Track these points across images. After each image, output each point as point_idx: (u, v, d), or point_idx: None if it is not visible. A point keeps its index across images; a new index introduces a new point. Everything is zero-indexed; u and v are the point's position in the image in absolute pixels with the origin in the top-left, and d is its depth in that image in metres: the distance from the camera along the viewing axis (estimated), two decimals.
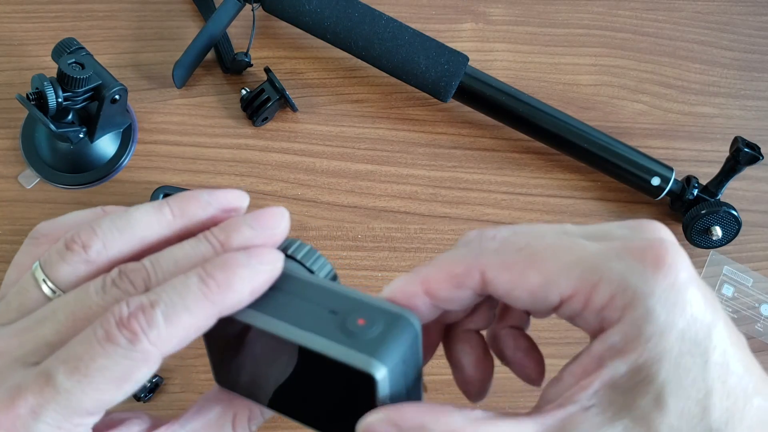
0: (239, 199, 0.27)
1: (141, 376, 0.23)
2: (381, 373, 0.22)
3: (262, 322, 0.24)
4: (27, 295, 0.25)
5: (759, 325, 0.52)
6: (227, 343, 0.26)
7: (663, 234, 0.25)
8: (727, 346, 0.22)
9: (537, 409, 0.24)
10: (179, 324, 0.23)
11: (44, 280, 0.25)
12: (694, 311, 0.22)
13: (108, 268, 0.25)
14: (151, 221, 0.26)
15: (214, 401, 0.27)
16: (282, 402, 0.26)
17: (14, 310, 0.25)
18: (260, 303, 0.24)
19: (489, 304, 0.27)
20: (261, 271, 0.24)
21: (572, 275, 0.23)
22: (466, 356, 0.28)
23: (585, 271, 0.23)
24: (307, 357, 0.23)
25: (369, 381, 0.22)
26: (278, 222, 0.25)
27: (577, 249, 0.23)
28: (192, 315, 0.23)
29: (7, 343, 0.24)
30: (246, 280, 0.24)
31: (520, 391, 0.46)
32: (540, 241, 0.24)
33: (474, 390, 0.28)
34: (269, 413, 0.27)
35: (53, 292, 0.25)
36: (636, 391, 0.22)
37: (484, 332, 0.28)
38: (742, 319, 0.52)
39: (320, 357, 0.22)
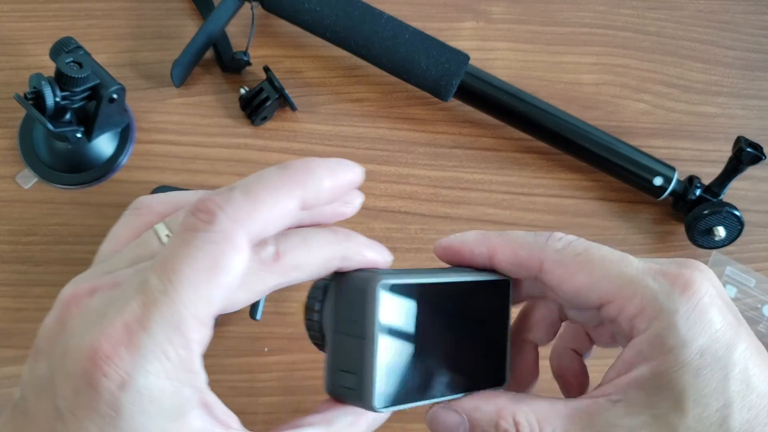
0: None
1: (233, 264, 0.22)
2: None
3: (426, 278, 0.27)
4: (146, 247, 0.25)
5: (762, 326, 0.51)
6: (398, 348, 0.26)
7: (699, 267, 0.28)
8: (749, 365, 0.25)
9: (573, 398, 0.28)
10: (258, 199, 0.23)
11: (167, 235, 0.25)
12: (714, 331, 0.25)
13: None
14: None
15: (310, 425, 0.26)
16: (438, 383, 0.28)
17: (127, 261, 0.25)
18: (401, 275, 0.26)
19: (552, 320, 0.32)
20: (340, 171, 0.26)
21: (613, 284, 0.27)
22: (518, 363, 0.32)
23: (624, 283, 0.27)
24: (461, 296, 0.28)
25: (506, 285, 0.30)
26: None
27: (623, 264, 0.28)
28: (271, 193, 0.23)
29: (122, 274, 0.24)
30: (325, 170, 0.25)
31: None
32: (596, 250, 0.28)
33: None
34: None
35: None
36: (658, 393, 0.25)
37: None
38: (745, 320, 0.51)
39: (475, 285, 0.29)
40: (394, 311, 0.26)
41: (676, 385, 0.25)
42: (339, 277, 0.27)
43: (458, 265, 0.31)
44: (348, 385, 0.26)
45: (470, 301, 0.29)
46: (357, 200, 0.28)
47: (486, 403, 0.28)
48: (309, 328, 0.28)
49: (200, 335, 0.22)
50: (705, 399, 0.25)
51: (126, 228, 0.27)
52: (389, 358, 0.26)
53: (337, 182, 0.25)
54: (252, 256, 0.23)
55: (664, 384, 0.25)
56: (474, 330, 0.29)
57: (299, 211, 0.24)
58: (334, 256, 0.26)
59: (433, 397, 0.28)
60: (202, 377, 0.23)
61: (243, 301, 0.24)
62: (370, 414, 0.27)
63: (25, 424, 0.23)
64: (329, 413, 0.26)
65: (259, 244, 0.24)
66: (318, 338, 0.28)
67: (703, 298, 0.26)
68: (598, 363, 0.50)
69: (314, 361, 0.48)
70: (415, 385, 0.27)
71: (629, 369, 0.26)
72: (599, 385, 0.28)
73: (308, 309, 0.28)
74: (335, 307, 0.27)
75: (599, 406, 0.26)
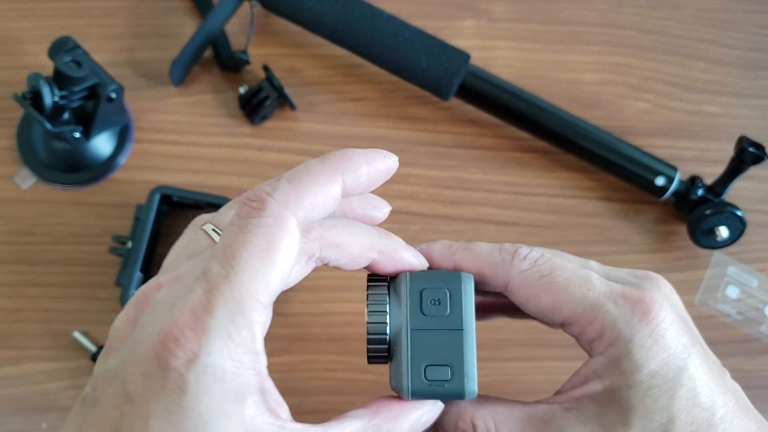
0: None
1: (286, 246, 0.24)
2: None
3: None
4: (197, 244, 0.28)
5: (764, 326, 0.51)
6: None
7: (659, 283, 0.30)
8: (697, 384, 0.27)
9: (530, 402, 0.29)
10: (303, 185, 0.25)
11: (214, 229, 0.28)
12: (667, 355, 0.27)
13: None
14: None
15: (357, 418, 0.27)
16: None
17: (184, 259, 0.28)
18: None
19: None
20: (377, 159, 0.27)
21: (575, 308, 0.28)
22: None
23: (586, 308, 0.28)
24: None
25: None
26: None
27: (586, 287, 0.28)
28: (315, 178, 0.25)
29: (182, 268, 0.26)
30: (363, 157, 0.27)
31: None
32: (560, 272, 0.29)
33: None
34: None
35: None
36: (608, 407, 0.27)
37: None
38: (747, 321, 0.51)
39: None
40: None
41: (625, 401, 0.27)
42: (404, 278, 0.29)
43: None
44: (440, 378, 0.27)
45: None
46: (386, 208, 0.30)
47: (449, 404, 0.29)
48: (375, 332, 0.28)
49: (262, 317, 0.24)
50: (650, 415, 0.27)
51: (184, 240, 0.29)
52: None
53: (374, 168, 0.27)
54: (301, 238, 0.25)
55: (614, 399, 0.27)
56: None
57: (341, 197, 0.26)
58: (373, 247, 0.28)
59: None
60: (263, 360, 0.24)
61: (293, 280, 0.27)
62: (414, 412, 0.28)
63: (94, 412, 0.24)
64: (373, 406, 0.27)
65: (307, 230, 0.26)
66: (381, 341, 0.28)
67: (660, 323, 0.28)
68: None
69: (314, 362, 0.48)
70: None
71: (584, 383, 0.28)
72: (556, 393, 0.30)
73: (376, 302, 0.29)
74: (412, 305, 0.28)
75: (553, 412, 0.28)
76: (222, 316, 0.23)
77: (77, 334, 0.47)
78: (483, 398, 0.30)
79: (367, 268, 0.29)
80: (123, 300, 0.46)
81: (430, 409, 0.28)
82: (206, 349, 0.23)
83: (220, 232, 0.28)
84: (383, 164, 0.28)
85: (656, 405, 0.27)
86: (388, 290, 0.29)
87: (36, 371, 0.47)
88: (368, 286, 0.29)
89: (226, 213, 0.29)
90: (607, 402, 0.27)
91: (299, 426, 0.25)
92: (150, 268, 0.49)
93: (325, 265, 0.28)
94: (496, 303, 0.35)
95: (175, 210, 0.51)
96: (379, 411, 0.27)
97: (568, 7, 0.59)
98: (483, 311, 0.35)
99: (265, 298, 0.24)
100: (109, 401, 0.24)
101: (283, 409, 0.25)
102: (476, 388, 0.27)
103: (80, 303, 0.49)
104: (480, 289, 0.30)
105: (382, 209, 0.30)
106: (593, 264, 0.31)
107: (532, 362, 0.49)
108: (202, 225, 0.29)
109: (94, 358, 0.47)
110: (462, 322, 0.28)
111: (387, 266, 0.29)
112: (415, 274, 0.29)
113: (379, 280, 0.29)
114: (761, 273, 0.52)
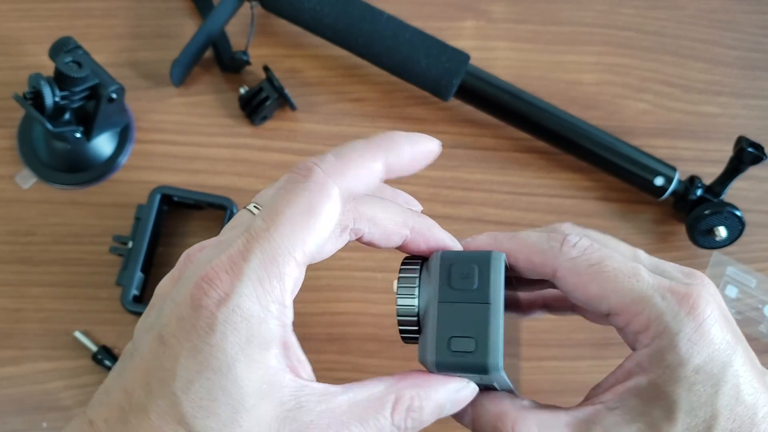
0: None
1: (327, 210, 0.25)
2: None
3: None
4: (240, 219, 0.28)
5: (763, 326, 0.51)
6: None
7: (704, 282, 0.29)
8: (741, 381, 0.27)
9: (574, 406, 0.29)
10: (349, 159, 0.26)
11: (255, 206, 0.28)
12: (711, 351, 0.27)
13: None
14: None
15: (380, 381, 0.27)
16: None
17: (228, 230, 0.28)
18: None
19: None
20: (420, 141, 0.29)
21: (623, 299, 0.28)
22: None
23: (634, 299, 0.28)
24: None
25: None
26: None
27: (635, 278, 0.28)
28: (359, 153, 0.27)
29: (225, 234, 0.28)
30: (406, 139, 0.28)
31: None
32: (610, 262, 0.29)
33: None
34: (429, 412, 0.27)
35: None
36: (653, 402, 0.27)
37: None
38: (746, 320, 0.51)
39: None
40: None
41: (670, 396, 0.27)
42: (435, 256, 0.29)
43: None
44: (464, 349, 0.27)
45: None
46: (419, 207, 0.32)
47: (490, 403, 0.29)
48: (403, 313, 0.29)
49: (294, 273, 0.25)
50: (695, 410, 0.27)
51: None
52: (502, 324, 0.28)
53: (416, 149, 0.29)
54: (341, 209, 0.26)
55: (659, 394, 0.27)
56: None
57: (383, 174, 0.28)
58: (405, 224, 0.29)
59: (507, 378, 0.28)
60: (290, 314, 0.25)
61: (328, 251, 0.28)
62: (441, 386, 0.27)
63: (131, 359, 0.25)
64: (399, 374, 0.28)
65: (346, 201, 0.27)
66: (412, 313, 0.29)
67: (707, 319, 0.27)
68: (598, 364, 0.49)
69: (314, 362, 0.47)
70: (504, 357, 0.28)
71: (628, 378, 0.28)
72: (597, 389, 0.29)
73: (406, 285, 0.29)
74: (441, 280, 0.28)
75: (597, 412, 0.28)
76: (256, 263, 0.24)
77: (78, 334, 0.47)
78: (525, 403, 0.29)
79: (401, 248, 0.30)
80: (123, 300, 0.47)
81: (459, 388, 0.28)
82: (238, 290, 0.24)
83: (261, 208, 0.29)
84: (426, 146, 0.29)
85: (700, 401, 0.27)
86: (420, 272, 0.29)
87: (37, 371, 0.47)
88: (401, 269, 0.30)
89: (267, 191, 0.30)
90: (652, 397, 0.27)
91: (320, 386, 0.25)
92: (151, 268, 0.49)
93: (360, 240, 0.29)
94: (536, 298, 0.35)
95: (175, 210, 0.51)
96: (404, 378, 0.27)
97: (568, 7, 0.59)
98: (525, 307, 0.36)
99: (300, 256, 0.25)
100: (145, 348, 0.25)
101: (306, 370, 0.26)
102: (501, 363, 0.27)
103: (81, 303, 0.49)
104: (527, 276, 0.31)
105: (417, 207, 0.32)
106: (642, 254, 0.31)
107: (532, 362, 0.49)
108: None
109: (94, 357, 0.47)
110: (489, 296, 0.27)
111: (420, 245, 0.29)
112: (447, 252, 0.29)
113: (412, 263, 0.30)
114: (760, 273, 0.52)
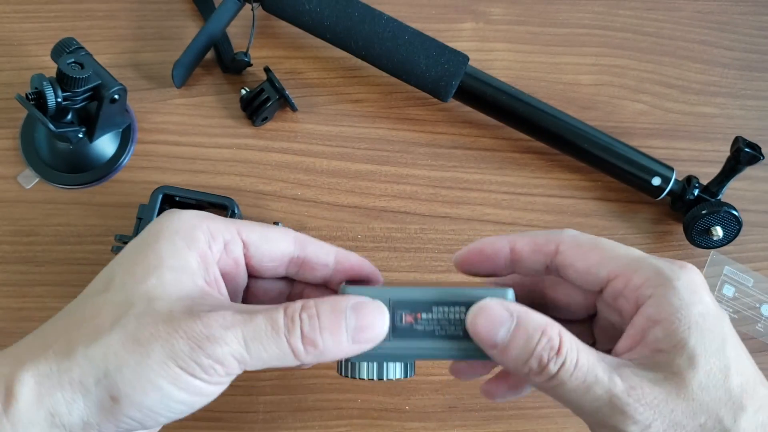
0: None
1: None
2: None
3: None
4: None
5: (760, 325, 0.51)
6: None
7: (695, 269, 0.31)
8: (737, 341, 0.29)
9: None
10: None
11: None
12: (706, 304, 0.29)
13: None
14: None
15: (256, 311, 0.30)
16: None
17: None
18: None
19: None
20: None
21: (620, 261, 0.31)
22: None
23: (630, 261, 0.31)
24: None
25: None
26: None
27: (629, 250, 0.32)
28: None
29: None
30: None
31: None
32: (605, 240, 0.32)
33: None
34: (327, 317, 0.30)
35: None
36: (674, 352, 0.28)
37: None
38: (743, 319, 0.52)
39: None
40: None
41: (688, 342, 0.28)
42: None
43: (476, 270, 0.35)
44: None
45: None
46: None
47: (535, 312, 0.29)
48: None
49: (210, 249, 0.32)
50: (711, 357, 0.28)
51: None
52: None
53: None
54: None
55: (677, 342, 0.28)
56: None
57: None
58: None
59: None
60: (214, 252, 0.32)
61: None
62: (338, 296, 0.30)
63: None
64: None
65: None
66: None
67: (695, 278, 0.30)
68: None
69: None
70: None
71: (643, 335, 0.29)
72: (614, 354, 0.30)
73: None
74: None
75: (624, 362, 0.29)
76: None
77: None
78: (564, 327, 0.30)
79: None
80: None
81: (363, 300, 0.30)
82: (186, 214, 0.32)
83: None
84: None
85: (713, 348, 0.28)
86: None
87: None
88: None
89: None
90: (672, 348, 0.28)
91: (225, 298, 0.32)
92: None
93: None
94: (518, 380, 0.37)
95: None
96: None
97: (566, 9, 0.60)
98: (516, 386, 0.37)
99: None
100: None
101: (220, 289, 0.32)
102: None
103: None
104: (529, 266, 0.33)
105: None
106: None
107: None
108: None
109: None
110: None
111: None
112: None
113: None
114: (757, 272, 0.53)
